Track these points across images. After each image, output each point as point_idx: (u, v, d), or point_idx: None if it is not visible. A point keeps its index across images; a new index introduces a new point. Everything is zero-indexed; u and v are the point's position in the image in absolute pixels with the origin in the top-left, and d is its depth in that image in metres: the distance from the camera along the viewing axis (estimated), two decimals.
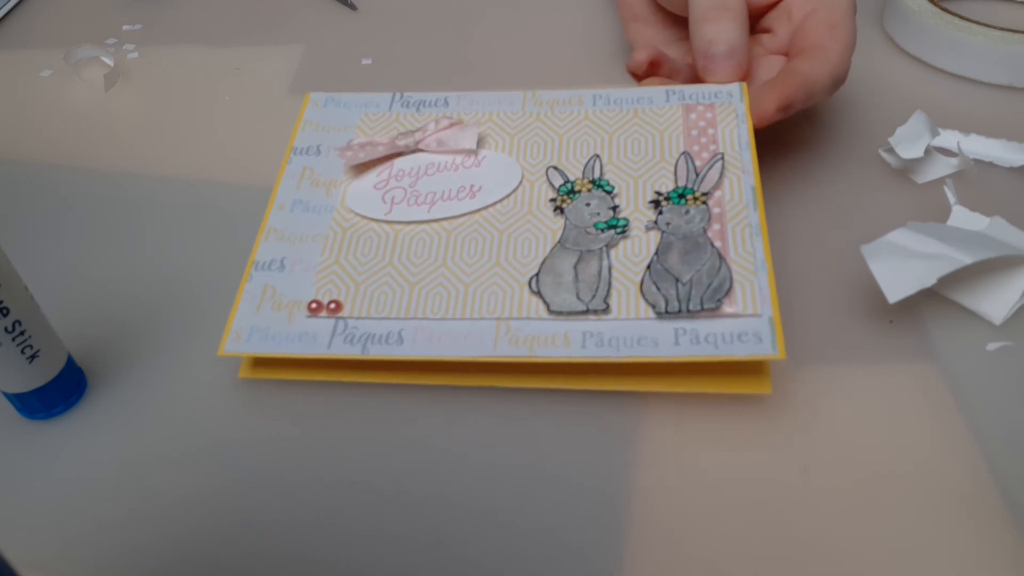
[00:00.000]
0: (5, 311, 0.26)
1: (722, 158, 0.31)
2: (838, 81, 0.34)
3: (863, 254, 0.30)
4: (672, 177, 0.31)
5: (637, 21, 0.41)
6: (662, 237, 0.29)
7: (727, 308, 0.27)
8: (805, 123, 0.39)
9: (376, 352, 0.28)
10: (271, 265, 0.31)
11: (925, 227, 0.30)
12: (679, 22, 0.39)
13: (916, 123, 0.36)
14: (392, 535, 0.26)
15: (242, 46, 0.49)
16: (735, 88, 0.33)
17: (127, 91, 0.46)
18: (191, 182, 0.39)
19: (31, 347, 0.27)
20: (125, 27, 0.51)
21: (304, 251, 0.31)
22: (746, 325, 0.27)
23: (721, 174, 0.31)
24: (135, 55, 0.48)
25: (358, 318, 0.29)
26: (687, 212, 0.30)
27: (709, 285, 0.28)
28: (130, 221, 0.37)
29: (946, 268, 0.29)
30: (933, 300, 0.31)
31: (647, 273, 0.28)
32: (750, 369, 0.28)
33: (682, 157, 0.32)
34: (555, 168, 0.33)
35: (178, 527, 0.26)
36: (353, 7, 0.52)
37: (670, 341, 0.27)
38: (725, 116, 0.33)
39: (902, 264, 0.29)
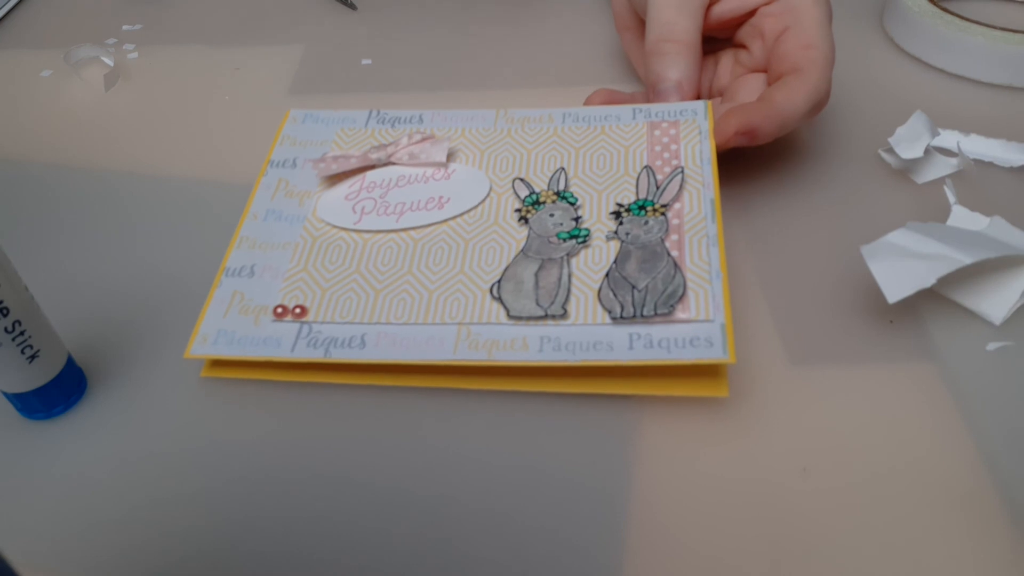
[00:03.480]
0: (5, 311, 0.26)
1: (682, 172, 0.32)
2: (819, 104, 0.34)
3: (863, 254, 0.30)
4: (634, 190, 0.32)
5: (629, 31, 0.42)
6: (621, 246, 0.30)
7: (680, 314, 0.28)
8: (805, 123, 0.39)
9: (338, 356, 0.28)
10: (241, 271, 0.31)
11: (925, 227, 0.30)
12: None
13: (916, 123, 0.36)
14: (392, 535, 0.26)
15: (242, 46, 0.49)
16: (699, 106, 0.34)
17: (127, 91, 0.46)
18: (191, 182, 0.39)
19: (31, 347, 0.27)
20: (125, 27, 0.51)
21: (274, 258, 0.32)
22: (698, 330, 0.27)
23: (681, 187, 0.32)
24: (135, 55, 0.48)
25: (322, 322, 0.29)
26: (646, 223, 0.31)
27: (664, 291, 0.28)
28: (130, 221, 0.37)
29: (946, 268, 0.29)
30: (933, 300, 0.31)
31: (605, 280, 0.29)
32: (708, 372, 0.28)
33: (644, 171, 0.33)
34: (521, 180, 0.33)
35: (178, 526, 0.26)
36: (353, 7, 0.52)
37: (625, 345, 0.27)
38: (688, 132, 0.33)
39: (902, 264, 0.29)
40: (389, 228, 0.32)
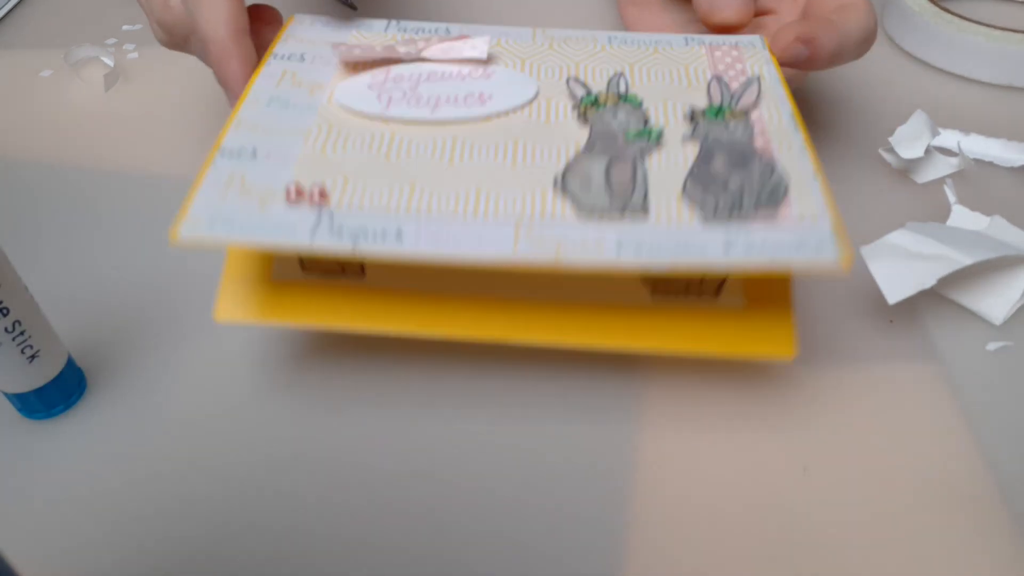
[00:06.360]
0: (5, 311, 0.26)
1: (758, 80, 0.29)
2: (869, 37, 0.33)
3: (863, 255, 0.30)
4: (706, 98, 0.29)
5: (633, 5, 0.40)
6: (702, 146, 0.26)
7: (785, 211, 0.24)
8: (806, 122, 0.39)
9: (369, 248, 0.23)
10: (241, 153, 0.26)
11: (925, 227, 0.30)
12: (673, 7, 0.39)
13: (916, 123, 0.36)
14: (391, 533, 0.26)
15: None
16: (756, 39, 0.32)
17: (127, 91, 0.46)
18: (191, 182, 0.39)
19: (31, 347, 0.27)
20: (125, 27, 0.51)
21: (281, 143, 0.26)
22: (805, 233, 0.23)
23: (758, 95, 0.28)
24: (135, 55, 0.48)
25: (347, 210, 0.24)
26: (728, 125, 0.27)
27: (763, 188, 0.24)
28: (130, 221, 0.37)
29: (946, 269, 0.29)
30: (933, 300, 0.31)
31: (689, 178, 0.25)
32: (771, 331, 0.26)
33: (714, 80, 0.29)
34: (576, 80, 0.29)
35: (179, 526, 0.26)
36: (353, 7, 0.52)
37: (720, 249, 0.23)
38: (752, 55, 0.31)
39: (902, 265, 0.29)
40: (424, 119, 0.27)
